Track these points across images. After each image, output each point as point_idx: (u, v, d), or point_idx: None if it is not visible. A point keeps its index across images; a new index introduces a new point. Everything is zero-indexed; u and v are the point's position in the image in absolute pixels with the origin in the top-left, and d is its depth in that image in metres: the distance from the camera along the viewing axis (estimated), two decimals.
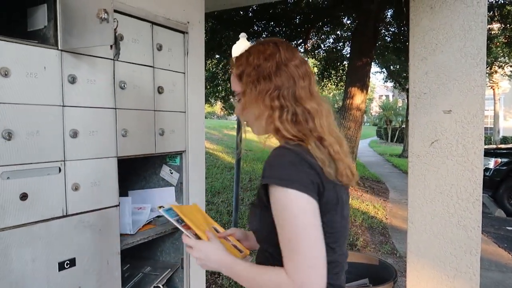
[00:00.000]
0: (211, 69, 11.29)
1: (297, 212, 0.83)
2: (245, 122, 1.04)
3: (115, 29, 1.18)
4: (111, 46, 1.26)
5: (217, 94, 12.80)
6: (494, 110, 19.71)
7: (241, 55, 1.00)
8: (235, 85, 1.00)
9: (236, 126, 5.47)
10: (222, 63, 10.80)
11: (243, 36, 5.36)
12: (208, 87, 11.83)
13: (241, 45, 5.26)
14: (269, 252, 0.94)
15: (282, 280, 0.83)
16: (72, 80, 1.27)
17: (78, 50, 1.28)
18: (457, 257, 1.90)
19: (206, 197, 6.99)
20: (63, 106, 1.25)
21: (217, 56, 10.47)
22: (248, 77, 0.94)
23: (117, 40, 1.29)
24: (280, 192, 0.84)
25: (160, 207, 1.06)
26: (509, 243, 5.21)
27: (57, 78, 1.23)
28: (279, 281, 0.84)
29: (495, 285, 3.76)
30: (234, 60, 1.01)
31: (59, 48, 1.24)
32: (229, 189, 7.65)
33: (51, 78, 1.21)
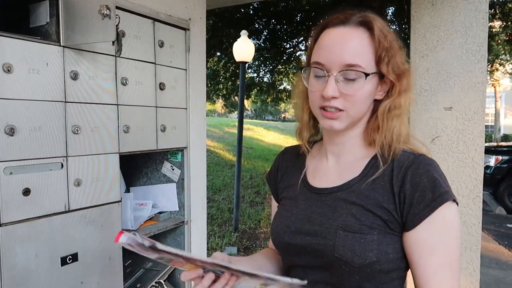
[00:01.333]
0: (212, 66, 11.29)
1: (460, 231, 0.77)
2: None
3: (117, 26, 1.18)
4: (113, 43, 1.27)
5: (218, 92, 12.80)
6: (495, 108, 19.70)
7: None
8: None
9: (237, 124, 5.47)
10: (223, 61, 10.80)
11: (244, 33, 5.37)
12: (209, 85, 11.84)
13: (242, 43, 5.27)
14: (386, 286, 0.80)
15: None
16: (74, 76, 1.28)
17: (80, 46, 1.28)
18: None
19: (207, 194, 7.02)
20: (65, 102, 1.25)
21: (218, 53, 10.46)
22: None
23: (119, 36, 1.30)
24: (455, 209, 0.76)
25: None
26: (510, 240, 5.21)
27: (60, 74, 1.24)
28: None
29: (495, 282, 3.77)
30: None
31: (61, 44, 1.24)
32: (230, 187, 7.66)
33: (54, 74, 1.22)
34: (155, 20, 1.58)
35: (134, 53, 1.50)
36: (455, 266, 0.75)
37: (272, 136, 17.17)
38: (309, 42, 0.88)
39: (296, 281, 0.71)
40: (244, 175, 8.62)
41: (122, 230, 0.68)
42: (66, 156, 1.26)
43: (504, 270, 4.09)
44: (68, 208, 1.27)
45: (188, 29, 1.75)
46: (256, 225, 5.68)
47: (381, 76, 0.82)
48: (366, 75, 0.77)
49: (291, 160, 1.01)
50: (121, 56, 1.43)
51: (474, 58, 1.86)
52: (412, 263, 0.78)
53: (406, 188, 0.76)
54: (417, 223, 0.75)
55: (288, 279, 0.71)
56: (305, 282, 0.71)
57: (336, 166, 0.89)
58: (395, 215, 0.77)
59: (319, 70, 0.80)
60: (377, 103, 0.85)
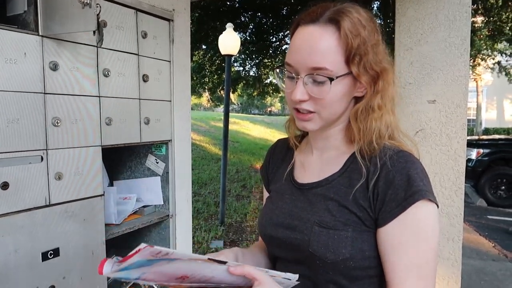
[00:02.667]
0: (198, 60, 11.19)
1: (437, 233, 0.74)
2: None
3: (98, 15, 1.15)
4: (94, 32, 1.23)
5: (204, 85, 12.71)
6: (477, 102, 20.08)
7: None
8: None
9: (223, 117, 5.44)
10: (209, 54, 10.72)
11: (229, 26, 5.33)
12: (195, 78, 11.74)
13: (228, 36, 5.23)
14: (363, 283, 0.79)
15: None
16: (54, 67, 1.24)
17: (60, 36, 1.25)
18: (440, 244, 1.94)
19: (193, 188, 6.98)
20: (44, 93, 1.22)
21: (204, 47, 10.38)
22: None
23: (100, 26, 1.26)
24: (430, 209, 0.73)
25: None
26: (490, 231, 5.35)
27: (38, 64, 1.20)
28: None
29: (476, 272, 3.86)
30: None
31: (40, 34, 1.20)
32: (216, 181, 7.65)
33: (32, 65, 1.18)
34: (137, 10, 1.54)
35: (117, 44, 1.46)
36: (426, 267, 0.72)
37: (258, 130, 17.16)
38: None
39: (289, 275, 0.70)
40: (230, 169, 8.61)
41: (106, 258, 0.60)
42: (46, 149, 1.23)
43: (485, 261, 4.19)
44: (49, 202, 1.24)
45: (172, 20, 1.72)
46: (243, 218, 5.69)
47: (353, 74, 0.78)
48: (331, 79, 0.74)
49: (282, 153, 1.01)
50: (102, 46, 1.39)
51: (457, 51, 1.88)
52: (382, 260, 0.76)
53: (380, 185, 0.75)
54: (387, 220, 0.73)
55: (282, 275, 0.70)
56: (297, 276, 0.70)
57: (319, 161, 0.88)
58: (369, 212, 0.76)
59: (289, 72, 0.79)
60: (359, 99, 0.82)
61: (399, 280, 0.72)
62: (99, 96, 1.40)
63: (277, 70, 0.85)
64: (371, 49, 0.76)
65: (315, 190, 0.84)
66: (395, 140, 0.81)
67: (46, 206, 1.23)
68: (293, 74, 0.77)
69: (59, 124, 1.26)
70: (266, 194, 1.04)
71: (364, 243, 0.75)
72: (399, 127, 0.83)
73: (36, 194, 1.20)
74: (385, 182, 0.74)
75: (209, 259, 0.64)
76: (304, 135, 0.98)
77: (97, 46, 1.37)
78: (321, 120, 0.79)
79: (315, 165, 0.88)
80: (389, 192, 0.73)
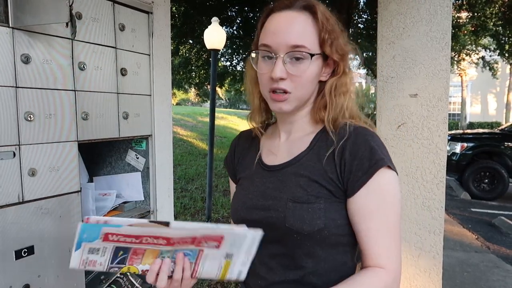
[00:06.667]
0: (184, 54, 11.09)
1: (399, 197, 0.82)
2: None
3: (70, 6, 1.12)
4: (66, 24, 1.20)
5: (190, 81, 12.61)
6: (462, 96, 20.37)
7: None
8: None
9: (209, 112, 5.41)
10: (195, 49, 10.62)
11: (215, 20, 5.28)
12: (182, 73, 11.64)
13: (213, 30, 5.17)
14: (337, 251, 0.85)
15: (382, 279, 0.78)
16: (26, 60, 1.20)
17: (31, 28, 1.21)
18: (422, 237, 1.96)
19: (180, 184, 6.94)
20: (16, 87, 1.18)
21: (190, 41, 10.28)
22: None
23: (73, 17, 1.23)
24: (391, 175, 0.81)
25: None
26: (473, 224, 5.44)
27: (9, 57, 1.16)
28: (382, 284, 0.78)
29: (459, 264, 3.93)
30: None
31: (11, 25, 1.16)
32: (203, 176, 7.61)
33: (2, 58, 1.14)
34: (114, 2, 1.50)
35: (93, 37, 1.42)
36: (394, 229, 0.80)
37: (245, 125, 16.96)
38: (256, 29, 0.92)
39: (251, 231, 0.73)
40: (217, 164, 8.58)
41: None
42: (19, 145, 1.19)
43: (468, 252, 4.26)
44: (22, 199, 1.21)
45: (151, 13, 1.69)
46: (229, 213, 5.68)
47: (324, 58, 0.87)
48: (312, 55, 0.82)
49: (247, 143, 1.06)
50: (78, 39, 1.36)
51: (439, 45, 1.88)
52: (354, 228, 0.83)
53: (346, 157, 0.81)
54: (356, 189, 0.80)
55: (242, 229, 0.73)
56: (260, 231, 0.73)
57: (287, 143, 0.94)
58: (338, 184, 0.82)
59: (266, 52, 0.84)
60: (322, 84, 0.90)
61: (373, 244, 0.80)
62: (74, 90, 1.36)
63: (252, 55, 0.90)
64: (339, 34, 0.87)
65: (285, 169, 0.89)
66: (355, 120, 0.90)
67: (19, 203, 1.20)
68: (272, 54, 0.83)
69: (32, 119, 1.22)
70: (233, 186, 1.08)
71: (336, 213, 0.82)
72: (358, 110, 0.92)
73: (8, 190, 1.17)
74: (350, 154, 0.81)
75: (150, 221, 0.70)
76: (269, 123, 1.04)
77: (71, 39, 1.33)
78: (295, 100, 0.86)
79: (283, 148, 0.94)
80: (355, 163, 0.81)
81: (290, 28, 0.82)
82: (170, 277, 0.78)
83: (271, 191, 0.88)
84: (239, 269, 0.78)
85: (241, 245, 0.74)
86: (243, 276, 0.78)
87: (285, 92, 0.84)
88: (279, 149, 0.94)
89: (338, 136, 0.84)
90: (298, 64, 0.83)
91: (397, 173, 0.83)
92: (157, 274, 0.76)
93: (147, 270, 0.78)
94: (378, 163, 0.79)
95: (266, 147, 0.99)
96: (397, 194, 0.82)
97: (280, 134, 0.96)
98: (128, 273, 1.66)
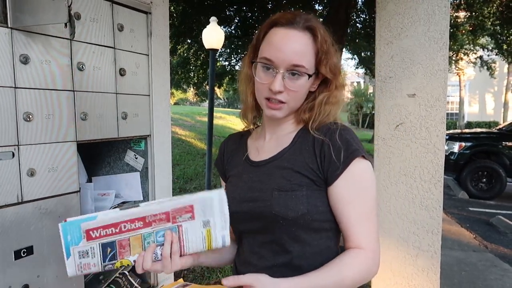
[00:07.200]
0: (182, 54, 11.07)
1: (374, 183, 0.92)
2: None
3: (69, 6, 1.12)
4: (65, 25, 1.20)
5: (189, 80, 12.59)
6: (460, 96, 20.41)
7: None
8: None
9: (208, 112, 5.41)
10: (194, 48, 10.61)
11: (213, 20, 5.27)
12: (180, 73, 11.61)
13: (211, 30, 5.18)
14: (320, 236, 0.92)
15: (363, 259, 0.87)
16: (25, 60, 1.20)
17: (30, 28, 1.21)
18: (420, 236, 1.96)
19: (178, 183, 6.93)
20: (15, 87, 1.18)
21: (188, 41, 10.26)
22: None
23: (72, 18, 1.23)
24: (365, 164, 0.90)
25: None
26: (471, 223, 5.45)
27: (8, 58, 1.16)
28: (363, 263, 0.87)
29: (457, 263, 3.94)
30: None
31: (9, 26, 1.17)
32: (201, 176, 7.60)
33: (1, 58, 1.15)
34: (113, 2, 1.51)
35: (91, 37, 1.43)
36: (371, 213, 0.89)
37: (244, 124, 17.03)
38: (255, 36, 0.98)
39: (215, 191, 0.80)
40: None
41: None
42: (18, 145, 1.19)
43: (466, 252, 4.27)
44: (21, 199, 1.21)
45: (150, 13, 1.69)
46: None
47: (317, 74, 0.95)
48: (309, 75, 0.91)
49: (235, 144, 1.13)
50: (76, 39, 1.36)
51: (436, 45, 1.89)
52: (336, 215, 0.91)
53: (325, 149, 0.90)
54: (335, 178, 0.88)
55: (206, 192, 0.81)
56: (222, 190, 0.82)
57: (272, 141, 1.02)
58: (319, 174, 0.90)
59: (268, 65, 0.91)
60: (311, 93, 0.99)
61: (354, 229, 0.88)
62: (73, 91, 1.36)
63: (258, 64, 0.95)
64: (333, 54, 0.95)
65: (270, 164, 0.97)
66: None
67: (18, 203, 1.20)
68: (273, 69, 0.91)
69: (31, 119, 1.23)
70: (223, 184, 1.15)
71: (317, 199, 0.90)
72: (340, 117, 1.01)
73: (7, 191, 1.17)
74: (329, 147, 0.90)
75: (121, 209, 0.76)
76: (257, 126, 1.12)
77: (70, 39, 1.33)
78: (288, 109, 0.94)
79: (269, 146, 1.02)
80: (333, 154, 0.89)
81: (292, 48, 0.89)
82: (159, 260, 0.84)
83: (258, 184, 0.96)
84: (222, 234, 0.83)
85: (212, 208, 0.81)
86: (227, 241, 0.85)
87: (281, 102, 0.92)
88: (265, 148, 1.02)
89: (318, 133, 0.93)
90: (295, 80, 0.91)
91: (371, 163, 0.92)
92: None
93: None
94: (354, 154, 0.88)
95: (253, 147, 1.07)
96: (373, 181, 0.91)
97: (266, 134, 1.04)
98: (127, 273, 1.67)
